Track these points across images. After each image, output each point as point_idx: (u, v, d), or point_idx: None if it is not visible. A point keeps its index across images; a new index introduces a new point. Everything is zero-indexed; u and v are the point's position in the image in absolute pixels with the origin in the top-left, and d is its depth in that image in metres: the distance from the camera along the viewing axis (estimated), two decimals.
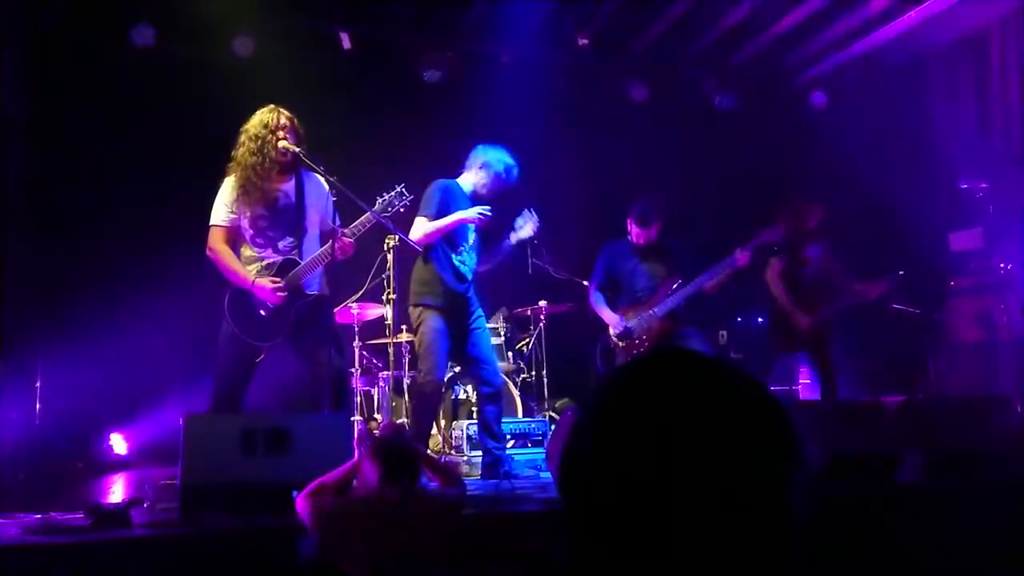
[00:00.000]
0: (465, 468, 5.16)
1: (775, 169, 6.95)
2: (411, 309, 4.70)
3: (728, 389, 0.78)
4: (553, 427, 5.46)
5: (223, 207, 4.03)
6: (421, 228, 4.52)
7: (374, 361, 6.18)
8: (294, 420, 3.39)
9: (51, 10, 5.83)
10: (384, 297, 5.15)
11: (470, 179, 4.79)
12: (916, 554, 3.17)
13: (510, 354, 6.31)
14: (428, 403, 4.68)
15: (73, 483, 4.97)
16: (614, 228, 5.42)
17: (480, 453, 4.82)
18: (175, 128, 5.92)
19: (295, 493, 2.84)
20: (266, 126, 3.99)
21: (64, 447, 5.52)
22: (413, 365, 5.00)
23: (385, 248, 4.98)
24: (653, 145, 6.99)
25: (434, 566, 2.61)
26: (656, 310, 5.12)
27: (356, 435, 4.88)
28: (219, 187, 4.07)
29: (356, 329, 5.93)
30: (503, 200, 4.81)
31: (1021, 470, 3.83)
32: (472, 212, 4.57)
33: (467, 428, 5.36)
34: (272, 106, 4.07)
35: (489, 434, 4.65)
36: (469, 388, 6.01)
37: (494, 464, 4.58)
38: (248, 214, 4.02)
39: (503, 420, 5.07)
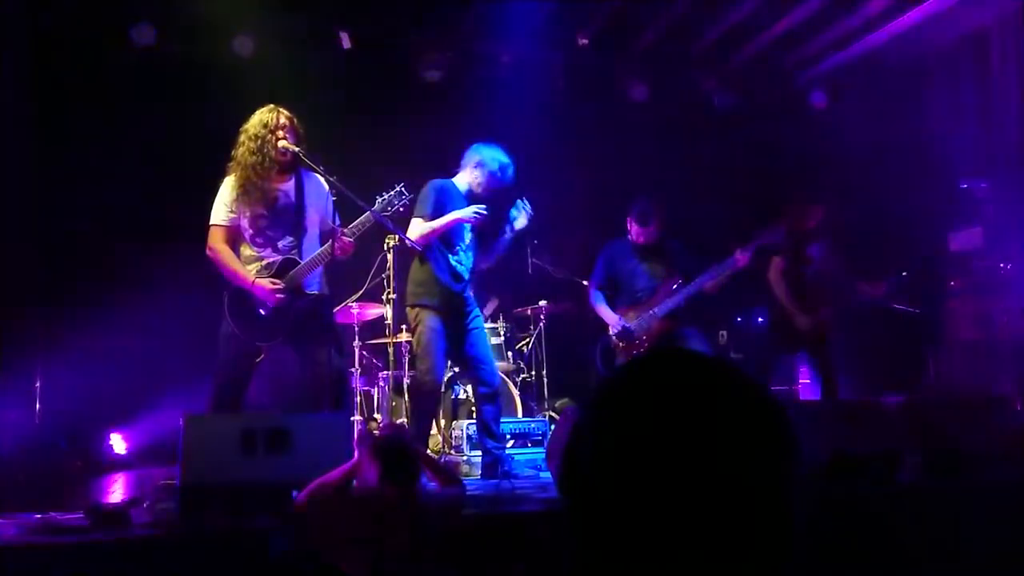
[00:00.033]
0: (465, 468, 5.16)
1: (775, 169, 6.94)
2: (408, 310, 4.70)
3: (728, 389, 0.78)
4: (553, 427, 5.45)
5: (223, 206, 4.03)
6: (417, 229, 4.52)
7: (374, 361, 6.18)
8: (294, 420, 3.38)
9: (51, 10, 5.83)
10: (384, 297, 5.15)
11: (465, 178, 4.78)
12: (916, 554, 3.17)
13: (510, 354, 6.31)
14: (427, 403, 4.69)
15: (73, 483, 4.96)
16: (614, 228, 5.42)
17: (480, 453, 4.82)
18: (175, 128, 5.91)
19: (295, 493, 2.85)
20: (266, 126, 3.99)
21: (64, 447, 5.52)
22: (413, 365, 5.00)
23: (385, 248, 4.98)
24: (653, 145, 6.99)
25: (434, 566, 2.61)
26: (656, 310, 5.12)
27: (356, 435, 4.88)
28: (219, 187, 4.07)
29: (356, 329, 5.94)
30: (500, 198, 4.80)
31: (1021, 470, 3.83)
32: (468, 212, 4.57)
33: (467, 428, 5.36)
34: (272, 106, 4.07)
35: (488, 434, 4.65)
36: (469, 388, 6.00)
37: (494, 464, 4.58)
38: (248, 214, 4.02)
39: (503, 420, 5.07)
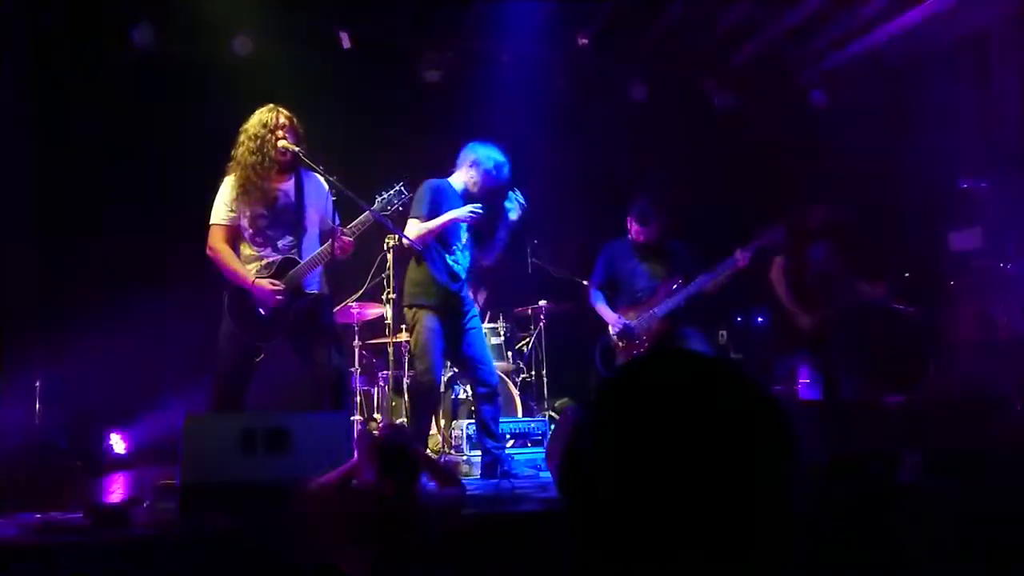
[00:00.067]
0: (465, 468, 5.16)
1: (775, 169, 6.94)
2: (405, 310, 4.70)
3: (728, 389, 0.78)
4: (553, 427, 5.45)
5: (223, 206, 4.03)
6: (414, 229, 4.51)
7: (374, 361, 6.18)
8: (294, 420, 3.38)
9: (51, 10, 5.83)
10: (384, 296, 5.16)
11: (461, 177, 4.78)
12: (916, 554, 3.17)
13: (510, 354, 6.31)
14: (426, 403, 4.69)
15: (73, 483, 4.96)
16: (614, 228, 5.42)
17: (480, 453, 4.82)
18: (175, 128, 5.92)
19: (295, 493, 2.85)
20: (265, 125, 3.99)
21: (64, 447, 5.52)
22: (412, 365, 5.00)
23: (385, 247, 4.98)
24: (653, 145, 6.99)
25: (434, 566, 2.61)
26: (656, 310, 5.12)
27: (356, 435, 4.88)
28: (219, 186, 4.08)
29: (356, 329, 5.94)
30: (495, 195, 4.79)
31: (1021, 470, 3.83)
32: (463, 211, 4.57)
33: (467, 428, 5.36)
34: (271, 105, 4.07)
35: (487, 434, 4.65)
36: (469, 388, 6.01)
37: (493, 464, 4.58)
38: (248, 213, 4.02)
39: (503, 420, 5.07)
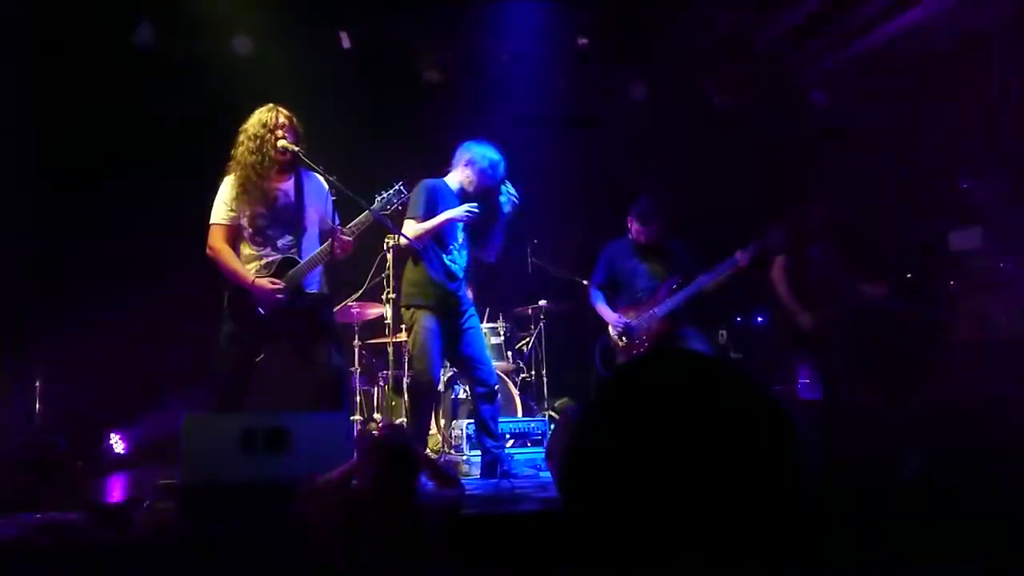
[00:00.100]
0: (464, 468, 5.16)
1: (776, 169, 6.94)
2: (403, 310, 4.70)
3: (728, 389, 0.78)
4: (553, 427, 5.46)
5: (223, 205, 4.03)
6: (410, 230, 4.51)
7: (374, 361, 6.18)
8: (294, 420, 3.38)
9: (51, 10, 5.83)
10: (384, 296, 5.16)
11: (457, 177, 4.77)
12: (916, 554, 3.17)
13: (509, 353, 6.31)
14: (425, 403, 4.69)
15: (73, 483, 4.96)
16: (614, 228, 5.42)
17: (479, 453, 4.82)
18: (175, 127, 5.92)
19: (295, 493, 2.85)
20: (265, 125, 3.99)
21: (64, 447, 5.53)
22: (411, 365, 5.01)
23: (385, 247, 4.98)
24: (653, 145, 6.99)
25: (434, 566, 2.61)
26: (656, 310, 5.13)
27: (356, 435, 4.89)
28: (219, 186, 4.08)
29: (356, 328, 5.94)
30: (490, 193, 4.79)
31: (1021, 470, 3.83)
32: (460, 211, 4.56)
33: (466, 428, 5.35)
34: (271, 105, 4.07)
35: (487, 433, 4.65)
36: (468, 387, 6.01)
37: (493, 463, 4.58)
38: (247, 213, 4.02)
39: (502, 420, 5.07)
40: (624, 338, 5.14)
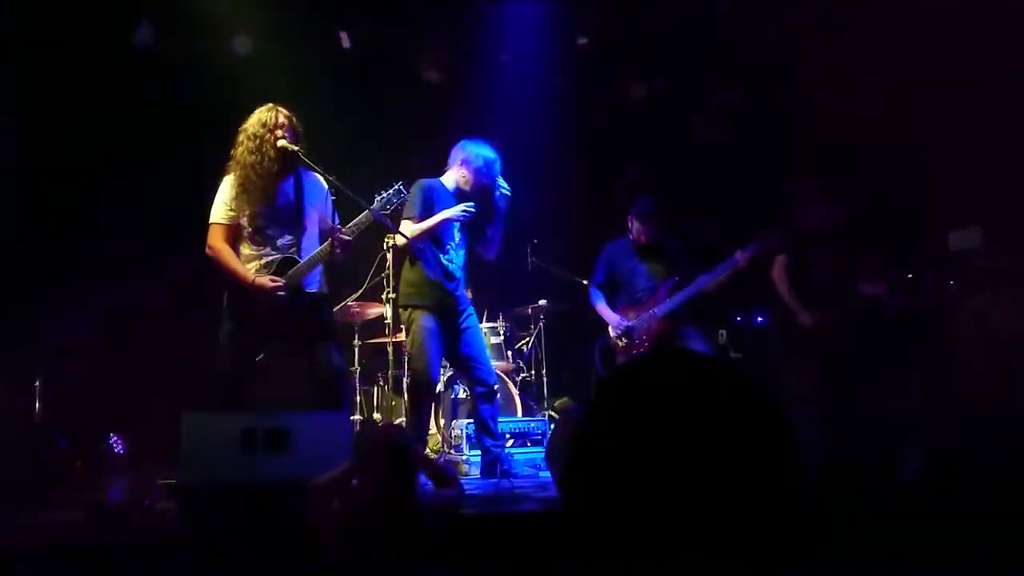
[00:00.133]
0: (464, 468, 5.17)
1: (776, 169, 6.94)
2: (401, 311, 4.70)
3: (728, 389, 0.78)
4: (553, 426, 5.46)
5: (223, 205, 4.03)
6: (407, 230, 4.51)
7: (374, 360, 6.18)
8: (294, 420, 3.38)
9: (50, 10, 5.83)
10: (384, 296, 5.16)
11: (452, 176, 4.77)
12: (916, 554, 3.17)
13: (509, 353, 6.31)
14: (424, 403, 4.69)
15: (73, 483, 4.97)
16: (614, 228, 5.42)
17: (479, 453, 4.82)
18: (175, 127, 5.92)
19: (295, 493, 2.85)
20: (264, 125, 3.99)
21: (64, 447, 5.53)
22: (410, 365, 5.01)
23: (384, 247, 4.99)
24: (653, 145, 6.99)
25: (434, 566, 2.61)
26: (656, 310, 5.13)
27: (355, 435, 4.88)
28: (218, 185, 4.08)
29: (356, 328, 5.94)
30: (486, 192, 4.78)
31: (1021, 469, 3.83)
32: (456, 210, 4.56)
33: (466, 427, 5.36)
34: (270, 105, 4.07)
35: (487, 433, 4.65)
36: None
37: (493, 463, 4.58)
38: (247, 212, 4.02)
39: (502, 419, 5.07)
40: (623, 340, 5.14)
